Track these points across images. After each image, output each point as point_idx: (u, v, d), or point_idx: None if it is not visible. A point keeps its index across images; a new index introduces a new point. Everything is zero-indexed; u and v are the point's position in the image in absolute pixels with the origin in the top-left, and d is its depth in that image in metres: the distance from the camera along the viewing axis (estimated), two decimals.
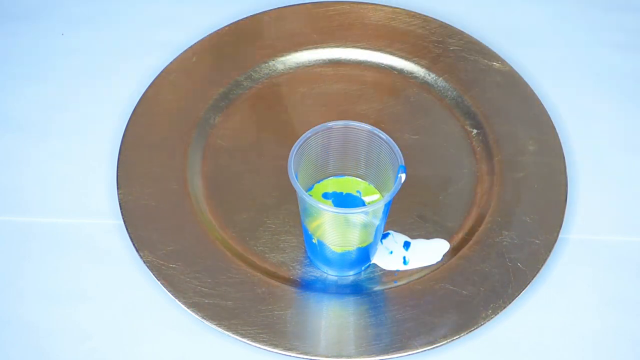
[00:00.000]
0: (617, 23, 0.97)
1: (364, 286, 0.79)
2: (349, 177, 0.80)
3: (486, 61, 0.91)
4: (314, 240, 0.76)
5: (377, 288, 0.79)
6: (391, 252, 0.80)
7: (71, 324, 0.77)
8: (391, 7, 0.94)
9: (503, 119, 0.88)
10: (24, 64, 0.92)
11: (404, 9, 0.94)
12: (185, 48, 0.91)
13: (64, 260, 0.80)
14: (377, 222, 0.74)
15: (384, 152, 0.76)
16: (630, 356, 0.77)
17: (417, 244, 0.81)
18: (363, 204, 0.78)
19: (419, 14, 0.94)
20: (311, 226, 0.75)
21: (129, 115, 0.86)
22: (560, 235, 0.81)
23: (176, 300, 0.76)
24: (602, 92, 0.92)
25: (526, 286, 0.78)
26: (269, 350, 0.74)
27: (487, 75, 0.91)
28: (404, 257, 0.80)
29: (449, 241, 0.81)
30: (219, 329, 0.75)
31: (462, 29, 0.94)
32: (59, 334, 0.76)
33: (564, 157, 0.85)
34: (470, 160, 0.86)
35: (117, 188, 0.82)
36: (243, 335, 0.75)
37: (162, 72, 0.89)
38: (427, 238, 0.81)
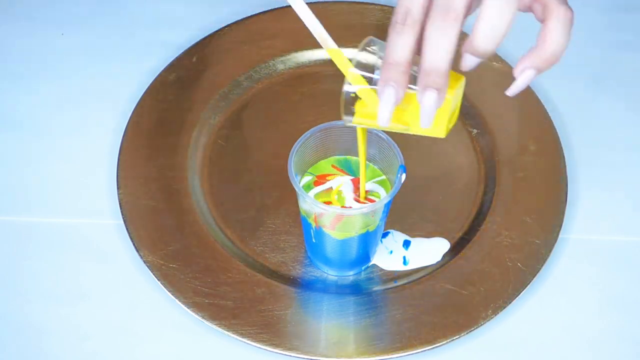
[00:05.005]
0: (617, 23, 0.97)
1: (364, 286, 0.79)
2: (352, 157, 0.78)
3: (486, 61, 0.91)
4: (313, 230, 0.75)
5: (377, 288, 0.79)
6: (391, 252, 0.80)
7: (71, 324, 0.77)
8: (391, 7, 0.94)
9: (503, 119, 0.88)
10: (24, 64, 0.92)
11: None
12: (185, 48, 0.91)
13: (64, 260, 0.80)
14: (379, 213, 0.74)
15: (384, 151, 0.76)
16: (630, 356, 0.77)
17: (417, 242, 0.81)
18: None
19: None
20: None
21: (129, 115, 0.86)
22: (560, 235, 0.81)
23: (176, 300, 0.76)
24: (602, 92, 0.92)
25: (526, 286, 0.78)
26: (269, 350, 0.74)
27: (487, 75, 0.90)
28: (404, 257, 0.80)
29: (449, 241, 0.81)
30: (219, 329, 0.75)
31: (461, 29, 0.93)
32: (59, 334, 0.76)
33: (564, 157, 0.85)
34: (470, 160, 0.86)
35: (117, 188, 0.82)
36: (243, 335, 0.75)
37: (162, 72, 0.89)
38: (427, 238, 0.81)
